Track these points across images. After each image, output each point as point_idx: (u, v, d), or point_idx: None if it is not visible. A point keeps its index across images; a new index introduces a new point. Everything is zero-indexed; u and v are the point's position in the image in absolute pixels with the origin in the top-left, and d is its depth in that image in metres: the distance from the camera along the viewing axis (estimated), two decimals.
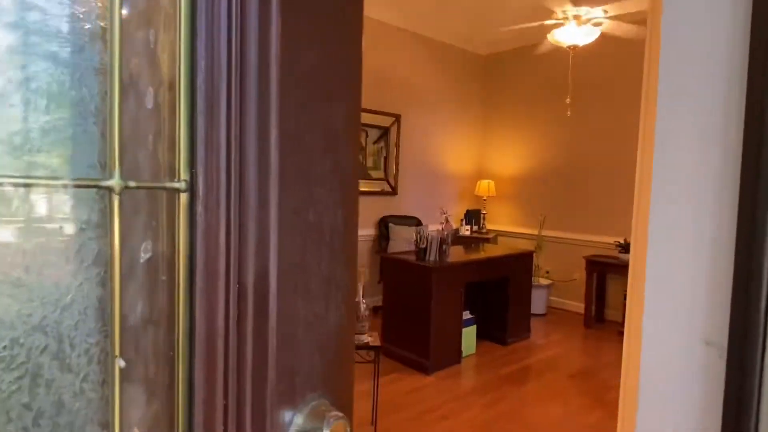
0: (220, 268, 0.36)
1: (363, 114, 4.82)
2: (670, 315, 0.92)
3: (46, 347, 0.36)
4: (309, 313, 0.37)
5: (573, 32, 3.11)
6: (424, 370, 3.42)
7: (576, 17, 3.09)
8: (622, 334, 4.18)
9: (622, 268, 4.43)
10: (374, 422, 2.65)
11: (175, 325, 0.36)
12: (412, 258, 3.56)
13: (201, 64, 0.36)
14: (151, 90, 0.38)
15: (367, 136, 5.02)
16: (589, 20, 3.14)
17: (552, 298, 5.39)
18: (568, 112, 4.44)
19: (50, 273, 0.36)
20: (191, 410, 0.36)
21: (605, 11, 3.34)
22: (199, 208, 0.35)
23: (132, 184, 0.35)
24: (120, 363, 0.35)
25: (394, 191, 5.29)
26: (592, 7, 3.22)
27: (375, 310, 4.42)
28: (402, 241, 4.95)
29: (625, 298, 4.37)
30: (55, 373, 0.36)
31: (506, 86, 5.94)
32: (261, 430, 0.36)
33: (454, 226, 5.69)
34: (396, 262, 3.62)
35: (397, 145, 5.28)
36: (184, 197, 0.36)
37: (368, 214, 5.10)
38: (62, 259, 0.36)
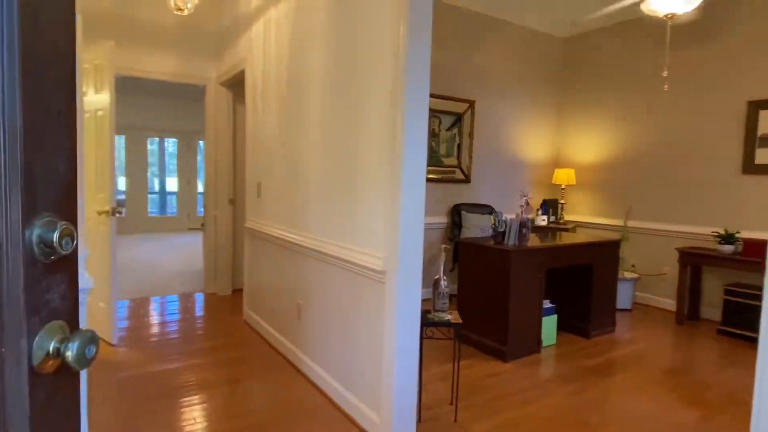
0: None
1: (436, 100, 4.80)
2: None
3: None
4: (44, 158, 0.58)
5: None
6: (502, 357, 3.34)
7: None
8: (721, 332, 3.89)
9: (721, 261, 4.06)
10: (454, 402, 2.62)
11: None
12: (490, 242, 3.48)
13: None
14: None
15: (440, 122, 4.97)
16: None
17: (638, 293, 5.06)
18: (665, 86, 4.11)
19: None
20: None
21: None
22: None
23: None
24: None
25: (467, 179, 5.21)
26: None
27: None
28: (475, 228, 4.86)
29: (726, 294, 4.00)
30: None
31: (587, 68, 5.63)
32: (17, 232, 0.55)
33: (532, 212, 5.50)
34: (473, 247, 3.56)
35: (471, 132, 5.18)
36: None
37: (440, 202, 5.06)
38: None
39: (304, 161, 3.04)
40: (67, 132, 0.61)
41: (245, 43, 4.03)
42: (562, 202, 5.72)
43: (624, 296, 4.70)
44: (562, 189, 5.74)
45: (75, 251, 0.61)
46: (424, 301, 2.97)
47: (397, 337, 2.16)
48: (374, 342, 2.32)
